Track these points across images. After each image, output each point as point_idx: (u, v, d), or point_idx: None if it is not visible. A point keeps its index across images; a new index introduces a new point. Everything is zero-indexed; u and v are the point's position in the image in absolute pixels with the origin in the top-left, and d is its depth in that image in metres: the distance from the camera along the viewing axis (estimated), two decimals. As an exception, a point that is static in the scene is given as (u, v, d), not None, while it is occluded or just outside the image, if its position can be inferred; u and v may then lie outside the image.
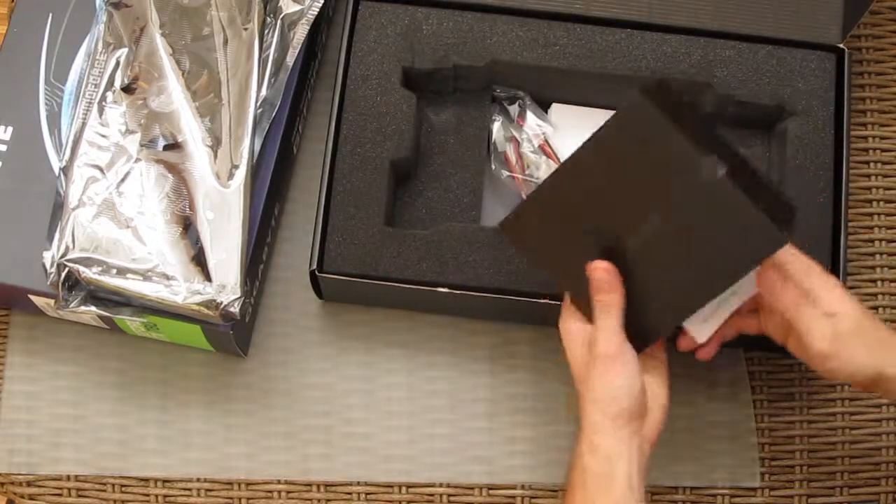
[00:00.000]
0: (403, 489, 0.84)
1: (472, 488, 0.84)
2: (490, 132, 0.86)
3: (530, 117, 0.86)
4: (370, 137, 0.83)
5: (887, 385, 0.71)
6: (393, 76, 0.84)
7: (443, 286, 0.80)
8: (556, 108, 0.88)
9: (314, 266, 0.80)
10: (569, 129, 0.88)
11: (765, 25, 0.86)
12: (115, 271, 0.76)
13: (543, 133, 0.86)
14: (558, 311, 0.80)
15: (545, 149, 0.87)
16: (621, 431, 0.70)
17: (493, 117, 0.87)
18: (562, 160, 0.86)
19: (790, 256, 0.72)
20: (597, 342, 0.72)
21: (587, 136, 0.87)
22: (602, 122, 0.88)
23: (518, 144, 0.86)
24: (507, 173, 0.86)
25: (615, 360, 0.71)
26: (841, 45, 0.86)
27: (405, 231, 0.82)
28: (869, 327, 0.71)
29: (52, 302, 0.79)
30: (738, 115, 0.85)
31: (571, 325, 0.74)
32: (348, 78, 0.84)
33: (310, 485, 0.84)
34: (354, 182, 0.82)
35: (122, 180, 0.78)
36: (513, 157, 0.86)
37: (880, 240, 0.90)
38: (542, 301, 0.80)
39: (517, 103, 0.87)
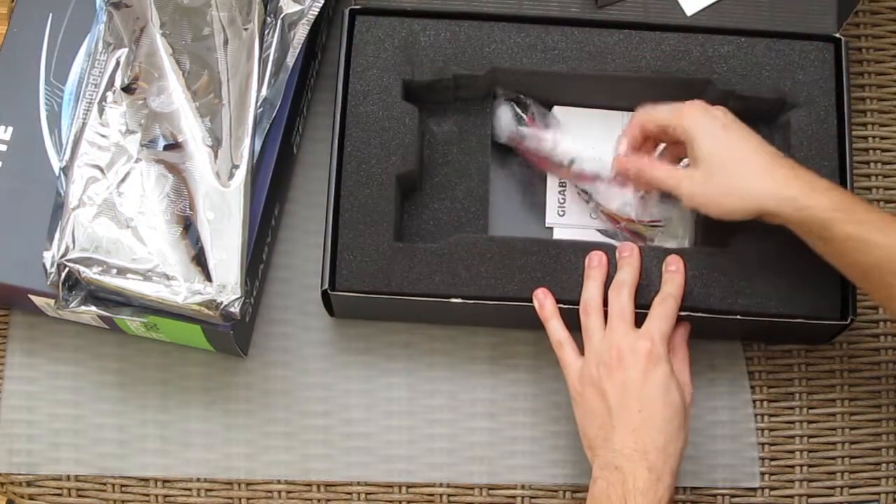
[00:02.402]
0: (403, 489, 0.84)
1: (472, 488, 0.84)
2: (495, 122, 0.85)
3: (538, 118, 0.87)
4: (375, 153, 0.82)
5: None
6: (393, 90, 0.84)
7: (456, 297, 0.80)
8: (558, 112, 0.88)
9: (326, 285, 0.80)
10: (571, 130, 0.88)
11: (760, 18, 0.86)
12: (115, 271, 0.76)
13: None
14: (570, 315, 0.80)
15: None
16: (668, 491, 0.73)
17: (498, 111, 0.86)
18: (561, 162, 0.87)
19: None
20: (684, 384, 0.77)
21: (590, 137, 0.88)
22: (602, 123, 0.88)
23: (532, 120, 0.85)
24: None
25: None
26: (837, 35, 0.86)
27: (416, 245, 0.82)
28: None
29: (52, 302, 0.79)
30: (740, 110, 0.85)
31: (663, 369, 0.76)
32: (349, 94, 0.84)
33: (310, 485, 0.84)
34: (361, 199, 0.82)
35: (123, 180, 0.78)
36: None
37: (880, 240, 0.90)
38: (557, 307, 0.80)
39: (522, 104, 0.87)
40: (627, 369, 0.75)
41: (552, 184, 0.88)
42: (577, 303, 0.80)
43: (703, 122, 0.77)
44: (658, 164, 0.80)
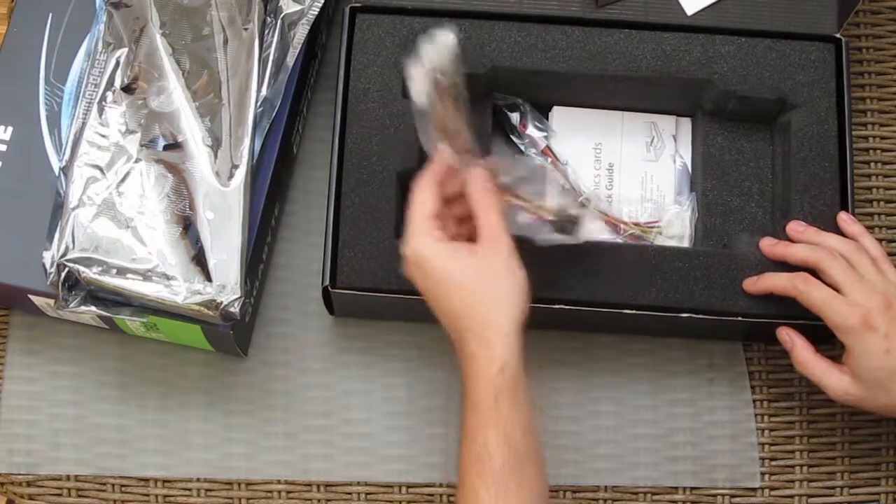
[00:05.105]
0: (403, 489, 0.84)
1: (472, 488, 0.84)
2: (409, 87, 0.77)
3: (531, 123, 0.86)
4: (375, 150, 0.82)
5: None
6: (394, 88, 0.83)
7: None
8: (557, 112, 0.88)
9: (327, 282, 0.80)
10: (570, 131, 0.88)
11: (761, 18, 0.86)
12: (115, 271, 0.76)
13: (545, 136, 0.87)
14: (571, 316, 0.80)
15: (547, 152, 0.87)
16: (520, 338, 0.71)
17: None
18: (563, 162, 0.87)
19: None
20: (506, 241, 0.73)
21: (588, 137, 0.88)
22: (602, 123, 0.88)
23: (443, 93, 0.76)
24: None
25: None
26: (838, 35, 0.86)
27: None
28: None
29: (52, 302, 0.79)
30: (741, 110, 0.86)
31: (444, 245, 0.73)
32: (349, 92, 0.83)
33: (310, 485, 0.84)
34: (362, 196, 0.82)
35: (122, 180, 0.78)
36: (439, 111, 0.77)
37: (880, 240, 0.90)
38: (557, 306, 0.80)
39: (518, 111, 0.87)
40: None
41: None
42: (578, 302, 0.80)
43: (864, 342, 0.74)
44: (815, 357, 0.78)
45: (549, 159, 0.86)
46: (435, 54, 0.75)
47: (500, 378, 0.70)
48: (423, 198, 0.74)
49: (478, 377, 0.70)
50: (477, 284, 0.72)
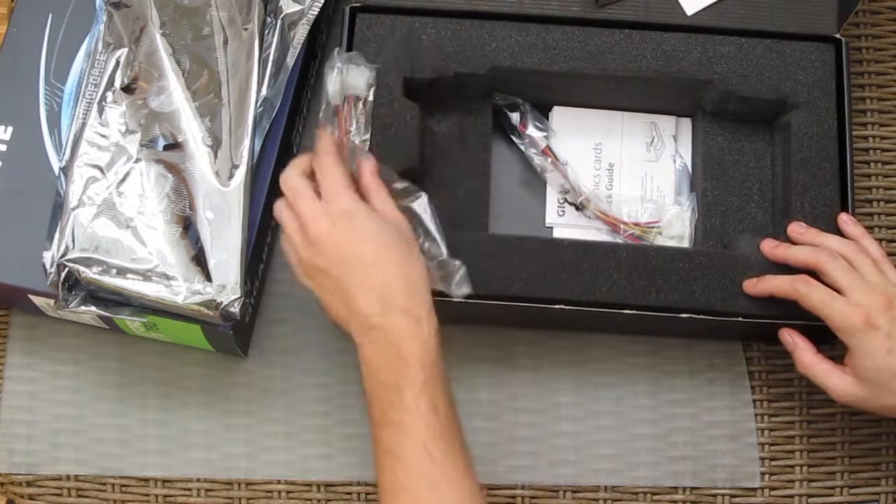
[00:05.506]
0: (403, 489, 0.84)
1: (472, 488, 0.84)
2: (327, 84, 0.79)
3: (531, 123, 0.86)
4: (375, 150, 0.82)
5: None
6: (394, 87, 0.83)
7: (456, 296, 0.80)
8: (558, 112, 0.88)
9: None
10: (570, 131, 0.88)
11: (761, 19, 0.86)
12: (115, 271, 0.76)
13: (545, 136, 0.87)
14: (571, 316, 0.80)
15: (547, 152, 0.87)
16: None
17: (337, 65, 0.80)
18: (563, 162, 0.87)
19: None
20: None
21: (588, 137, 0.88)
22: (602, 123, 0.88)
23: (353, 104, 0.80)
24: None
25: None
26: (838, 35, 0.86)
27: None
28: None
29: (52, 302, 0.79)
30: (741, 111, 0.86)
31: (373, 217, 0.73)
32: None
33: (310, 485, 0.84)
34: None
35: (122, 180, 0.78)
36: (344, 114, 0.80)
37: (880, 240, 0.90)
38: (557, 306, 0.80)
39: (518, 111, 0.87)
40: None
41: (552, 184, 0.88)
42: (578, 302, 0.80)
43: (866, 341, 0.74)
44: (817, 358, 0.78)
45: (550, 159, 0.86)
46: (352, 78, 0.78)
47: (438, 337, 0.70)
48: (335, 165, 0.74)
49: (414, 338, 0.69)
50: (401, 245, 0.72)
